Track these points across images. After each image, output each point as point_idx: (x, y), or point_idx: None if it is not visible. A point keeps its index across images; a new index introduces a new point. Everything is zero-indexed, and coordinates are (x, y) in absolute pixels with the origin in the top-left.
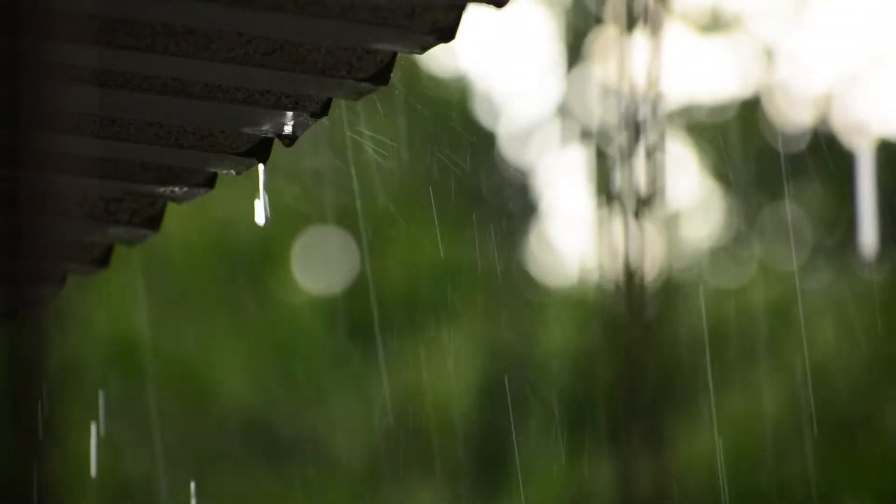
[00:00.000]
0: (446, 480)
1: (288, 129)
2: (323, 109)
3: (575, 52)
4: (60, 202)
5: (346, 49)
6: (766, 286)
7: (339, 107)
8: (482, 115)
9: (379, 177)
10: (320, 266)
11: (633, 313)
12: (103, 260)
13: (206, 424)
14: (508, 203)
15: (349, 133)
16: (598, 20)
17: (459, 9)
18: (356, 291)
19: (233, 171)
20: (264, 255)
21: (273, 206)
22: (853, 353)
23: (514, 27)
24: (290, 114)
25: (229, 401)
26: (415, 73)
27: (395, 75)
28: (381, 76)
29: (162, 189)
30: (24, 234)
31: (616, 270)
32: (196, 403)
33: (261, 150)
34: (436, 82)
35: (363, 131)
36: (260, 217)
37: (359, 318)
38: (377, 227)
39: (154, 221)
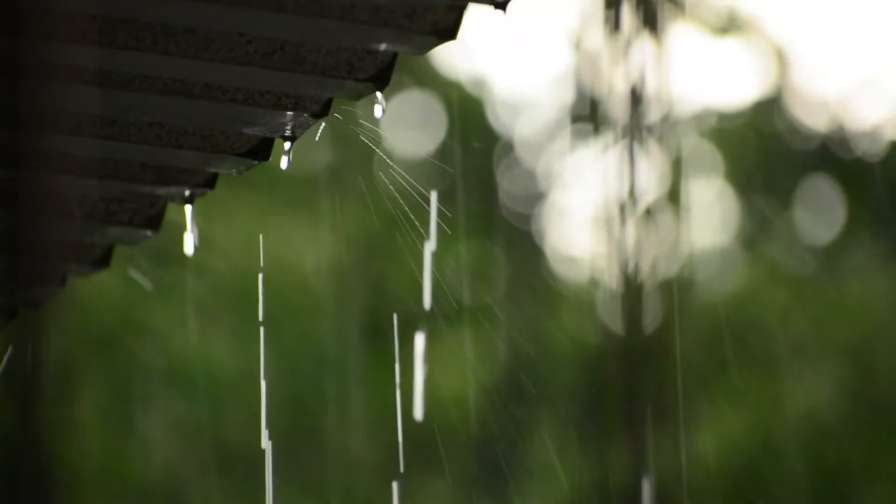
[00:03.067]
0: (456, 478)
1: (288, 129)
2: (323, 110)
3: (587, 54)
4: (60, 202)
5: (347, 49)
6: (777, 288)
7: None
8: (494, 116)
9: (392, 178)
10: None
11: (641, 314)
12: (103, 260)
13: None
14: (521, 204)
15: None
16: (610, 22)
17: (460, 9)
18: (368, 291)
19: (233, 172)
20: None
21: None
22: (864, 355)
23: (525, 29)
24: (290, 114)
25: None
26: (428, 75)
27: (408, 77)
28: (381, 77)
29: (162, 189)
30: (24, 234)
31: (626, 271)
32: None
33: (261, 151)
34: (448, 84)
35: (378, 131)
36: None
37: (371, 317)
38: (388, 227)
39: (154, 222)
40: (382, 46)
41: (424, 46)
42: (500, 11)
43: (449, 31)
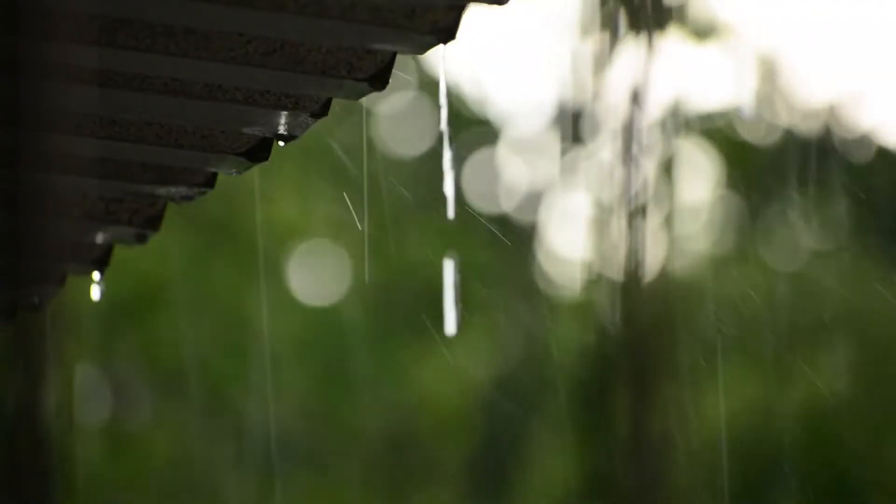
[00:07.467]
0: (452, 483)
1: (288, 129)
2: (323, 109)
3: (579, 57)
4: (60, 202)
5: (347, 49)
6: (766, 289)
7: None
8: (490, 117)
9: (383, 181)
10: (323, 271)
11: (634, 316)
12: (103, 260)
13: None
14: (516, 204)
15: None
16: (602, 26)
17: (459, 9)
18: (360, 297)
19: (233, 171)
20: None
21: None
22: (856, 351)
23: (521, 30)
24: (290, 114)
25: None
26: (425, 74)
27: (405, 76)
28: (380, 76)
29: (162, 189)
30: (24, 234)
31: (622, 271)
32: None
33: (261, 150)
34: (439, 87)
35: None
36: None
37: (364, 322)
38: (381, 231)
39: (154, 221)
40: (382, 46)
41: (424, 46)
42: (498, 6)
43: (448, 31)
